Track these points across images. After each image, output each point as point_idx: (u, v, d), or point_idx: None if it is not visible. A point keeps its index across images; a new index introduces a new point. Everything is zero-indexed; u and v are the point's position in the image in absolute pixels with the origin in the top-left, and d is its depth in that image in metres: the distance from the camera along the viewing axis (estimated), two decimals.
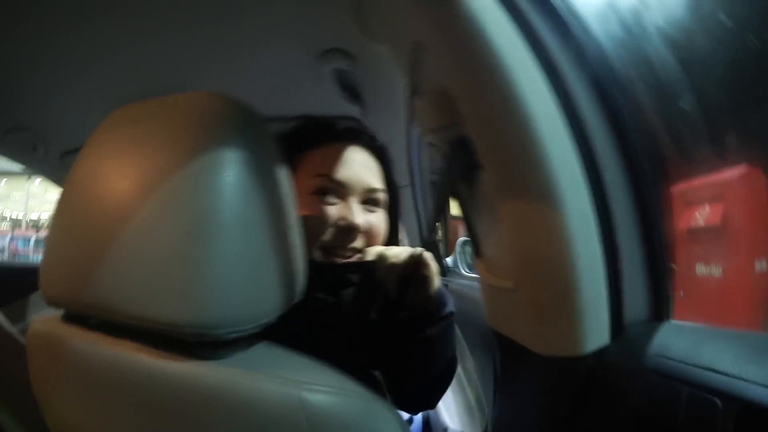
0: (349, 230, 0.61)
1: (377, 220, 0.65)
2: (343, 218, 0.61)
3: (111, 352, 0.38)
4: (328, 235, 0.61)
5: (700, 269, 0.89)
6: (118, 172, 0.40)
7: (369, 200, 0.65)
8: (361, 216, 0.62)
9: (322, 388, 0.36)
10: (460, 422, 1.06)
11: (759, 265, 0.85)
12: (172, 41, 0.84)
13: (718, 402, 0.31)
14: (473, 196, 0.56)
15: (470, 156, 0.49)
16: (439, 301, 0.62)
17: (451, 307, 0.64)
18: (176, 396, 0.36)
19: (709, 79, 0.70)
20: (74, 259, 0.41)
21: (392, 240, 0.70)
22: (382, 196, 0.67)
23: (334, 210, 0.62)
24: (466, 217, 0.61)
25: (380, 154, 0.70)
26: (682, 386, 0.34)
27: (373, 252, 0.62)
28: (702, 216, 0.93)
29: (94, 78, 0.97)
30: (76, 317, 0.44)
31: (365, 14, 0.68)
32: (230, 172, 0.37)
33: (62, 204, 0.44)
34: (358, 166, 0.65)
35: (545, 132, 0.41)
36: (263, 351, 0.41)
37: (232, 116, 0.40)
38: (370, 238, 0.64)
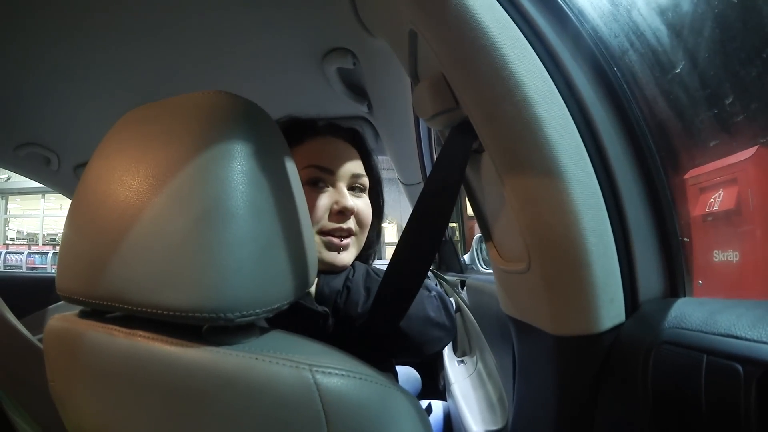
0: (343, 213, 0.67)
1: (364, 204, 0.72)
2: (336, 202, 0.67)
3: (126, 342, 0.39)
4: (324, 220, 0.66)
5: (718, 256, 0.87)
6: (130, 168, 0.40)
7: (355, 186, 0.72)
8: (351, 199, 0.69)
9: (335, 371, 0.36)
10: (481, 418, 1.05)
11: None
12: (184, 53, 0.86)
13: (739, 367, 0.30)
14: (480, 180, 0.56)
15: (473, 139, 0.49)
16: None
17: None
18: (191, 382, 0.36)
19: (717, 58, 0.69)
20: (89, 254, 0.41)
21: (376, 224, 0.77)
22: (365, 181, 0.74)
23: (326, 197, 0.67)
24: (474, 204, 0.61)
25: (359, 143, 0.76)
26: (701, 355, 0.33)
27: None
28: (716, 201, 0.92)
29: (105, 90, 0.99)
30: (92, 313, 0.45)
31: (362, 11, 0.69)
32: (240, 162, 0.38)
33: (77, 203, 0.45)
34: (342, 155, 0.71)
35: (542, 108, 0.40)
36: (276, 337, 0.41)
37: (240, 111, 0.40)
38: (360, 222, 0.71)
